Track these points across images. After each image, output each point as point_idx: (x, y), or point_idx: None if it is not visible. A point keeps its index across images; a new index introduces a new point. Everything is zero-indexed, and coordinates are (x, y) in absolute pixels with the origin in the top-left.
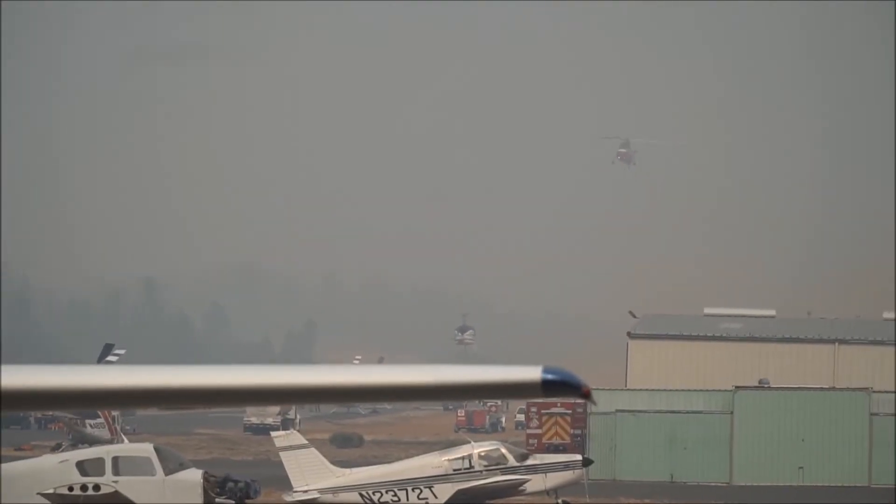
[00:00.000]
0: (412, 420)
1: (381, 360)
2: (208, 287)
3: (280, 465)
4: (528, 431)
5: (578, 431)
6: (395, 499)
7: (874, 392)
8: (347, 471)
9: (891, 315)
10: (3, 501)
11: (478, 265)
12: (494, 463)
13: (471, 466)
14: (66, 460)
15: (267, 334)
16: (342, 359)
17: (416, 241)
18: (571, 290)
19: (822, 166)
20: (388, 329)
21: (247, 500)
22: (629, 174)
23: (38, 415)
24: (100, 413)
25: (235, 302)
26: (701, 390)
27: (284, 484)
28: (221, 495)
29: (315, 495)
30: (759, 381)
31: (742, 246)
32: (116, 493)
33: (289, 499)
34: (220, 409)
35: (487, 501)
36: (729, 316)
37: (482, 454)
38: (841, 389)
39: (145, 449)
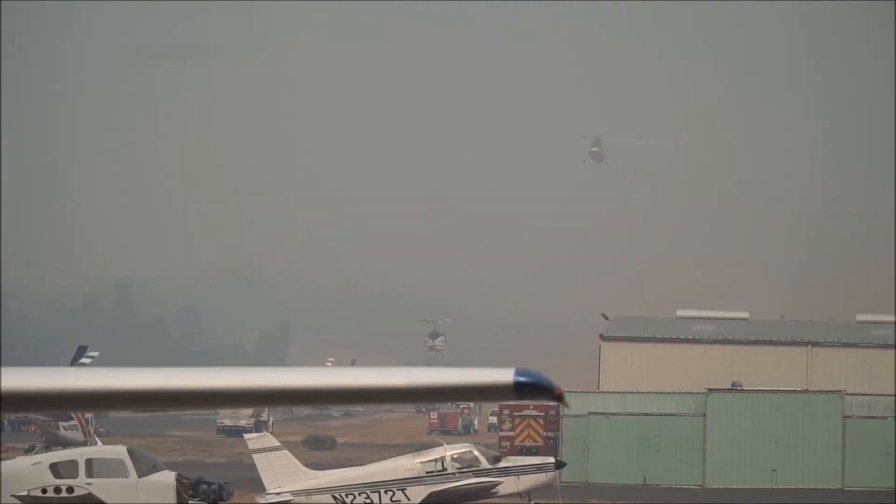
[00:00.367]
0: (385, 422)
1: (353, 363)
2: (182, 289)
3: (253, 467)
4: (501, 434)
5: (551, 434)
6: (368, 501)
7: (847, 395)
8: (320, 473)
9: (864, 317)
10: None
11: (451, 267)
12: (467, 465)
13: (443, 469)
14: (40, 462)
15: (240, 336)
16: (315, 361)
17: (390, 244)
18: (544, 293)
19: (799, 170)
20: (361, 331)
21: (220, 502)
22: (602, 176)
23: (12, 417)
24: (73, 415)
25: (208, 304)
26: (673, 393)
27: (257, 486)
28: (195, 497)
29: (288, 497)
30: (732, 384)
31: (715, 248)
32: (90, 494)
33: (261, 501)
34: (194, 411)
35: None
36: (701, 318)
37: (455, 456)
38: (814, 392)
39: (118, 451)
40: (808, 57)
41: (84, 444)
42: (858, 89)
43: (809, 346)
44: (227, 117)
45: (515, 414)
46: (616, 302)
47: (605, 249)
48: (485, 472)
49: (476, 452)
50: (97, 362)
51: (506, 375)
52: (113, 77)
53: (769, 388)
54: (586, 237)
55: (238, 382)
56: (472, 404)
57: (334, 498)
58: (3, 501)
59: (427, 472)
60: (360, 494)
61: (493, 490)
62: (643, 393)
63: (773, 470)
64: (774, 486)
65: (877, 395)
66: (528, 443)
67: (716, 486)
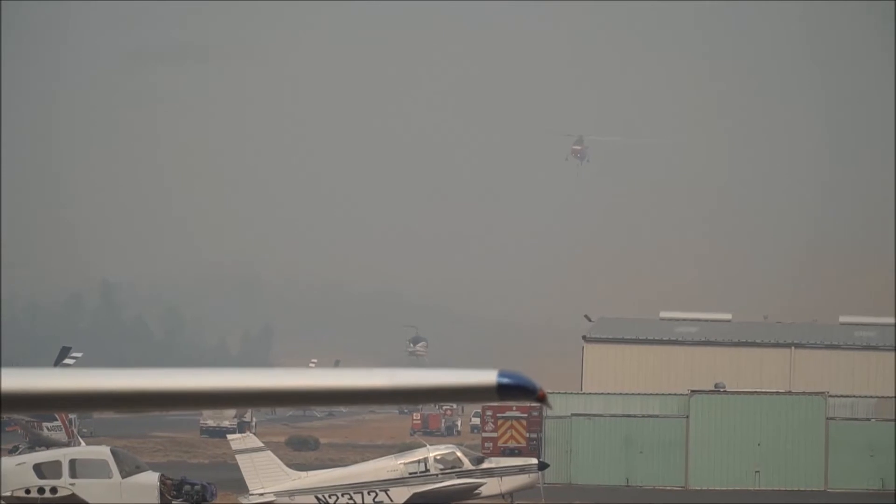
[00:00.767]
0: (368, 423)
1: (336, 364)
2: (165, 290)
3: (236, 467)
4: (484, 435)
5: (534, 435)
6: (351, 502)
7: (830, 396)
8: (303, 474)
9: (847, 319)
10: None
11: (435, 269)
12: (450, 466)
13: (426, 470)
14: (23, 463)
15: (223, 338)
16: (298, 362)
17: (374, 245)
18: (527, 295)
19: (783, 173)
20: (345, 333)
21: (203, 503)
22: (584, 178)
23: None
24: (57, 416)
25: (192, 305)
26: (657, 394)
27: (240, 486)
28: (178, 498)
29: (271, 498)
30: (715, 385)
31: (698, 250)
32: (73, 495)
33: (245, 501)
34: (178, 411)
35: None
36: (685, 320)
37: (438, 457)
38: (797, 393)
39: (102, 452)
40: (807, 57)
41: (67, 444)
42: (846, 91)
43: (792, 348)
44: (223, 117)
45: (498, 415)
46: (599, 303)
47: (587, 251)
48: (468, 474)
49: (459, 453)
50: (81, 363)
51: (489, 377)
52: (113, 77)
53: (752, 389)
54: (569, 239)
55: (222, 383)
56: (454, 405)
57: (317, 499)
58: None
59: (410, 473)
60: (343, 495)
61: (476, 491)
62: (626, 394)
63: (756, 471)
64: (757, 488)
65: (860, 396)
66: (511, 444)
67: (699, 488)
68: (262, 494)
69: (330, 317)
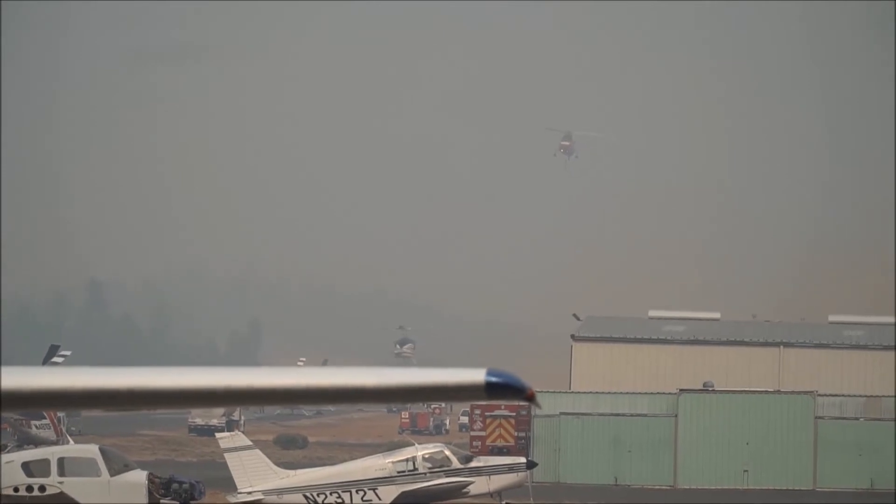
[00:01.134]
0: (356, 422)
1: (324, 363)
2: (155, 288)
3: (224, 466)
4: (472, 434)
5: (522, 434)
6: (340, 500)
7: (819, 395)
8: (292, 472)
9: (836, 318)
10: None
11: (423, 268)
12: (438, 465)
13: (415, 468)
14: (12, 461)
15: (212, 336)
16: (287, 361)
17: (363, 245)
18: (515, 294)
19: (772, 172)
20: (333, 332)
21: (191, 501)
22: (575, 176)
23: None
24: (45, 414)
25: (180, 303)
26: (645, 393)
27: (229, 485)
28: (166, 496)
29: (259, 496)
30: (704, 384)
31: (687, 249)
32: (62, 493)
33: (233, 500)
34: (166, 410)
35: (431, 503)
36: (673, 318)
37: (426, 456)
38: (786, 393)
39: (90, 450)
40: (807, 57)
41: (56, 442)
42: (846, 91)
43: (781, 347)
44: (222, 117)
45: (487, 414)
46: (587, 302)
47: (576, 250)
48: (456, 472)
49: (447, 452)
50: (69, 362)
51: (477, 376)
52: (112, 77)
53: (741, 388)
54: (558, 238)
55: (211, 382)
56: (443, 404)
57: (305, 497)
58: None
59: (398, 472)
60: (331, 494)
61: (465, 490)
62: (615, 393)
63: (744, 470)
64: (746, 487)
65: (848, 395)
66: (500, 443)
67: (687, 487)
68: (250, 493)
69: (319, 315)
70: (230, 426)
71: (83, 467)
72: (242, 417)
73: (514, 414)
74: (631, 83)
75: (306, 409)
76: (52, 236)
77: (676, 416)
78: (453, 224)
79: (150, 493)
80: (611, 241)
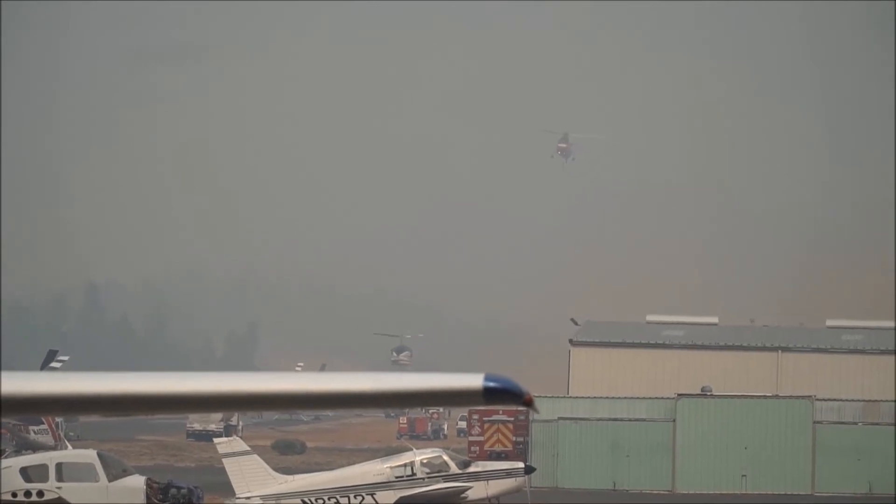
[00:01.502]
0: (354, 427)
1: (323, 368)
2: (153, 290)
3: (223, 471)
4: (470, 439)
5: (521, 439)
6: None
7: (817, 400)
8: (290, 477)
9: (834, 323)
10: None
11: (421, 271)
12: (436, 470)
13: (413, 473)
14: (10, 466)
15: (210, 337)
16: (284, 364)
17: (364, 248)
18: (513, 298)
19: (770, 175)
20: (331, 332)
21: None
22: (573, 179)
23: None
24: (43, 419)
25: (179, 303)
26: (643, 398)
27: (227, 490)
28: (164, 501)
29: (258, 502)
30: (702, 389)
31: (685, 253)
32: (60, 499)
33: None
34: (165, 415)
35: None
36: (671, 323)
37: (424, 461)
38: (784, 397)
39: (89, 455)
40: (807, 57)
41: (54, 448)
42: (846, 91)
43: (779, 352)
44: (222, 117)
45: (485, 419)
46: (585, 307)
47: (575, 254)
48: (454, 477)
49: (445, 457)
50: (67, 366)
51: (475, 381)
52: (112, 77)
53: (739, 393)
54: (556, 242)
55: (209, 387)
56: (441, 409)
57: (304, 502)
58: None
59: (396, 477)
60: (329, 499)
61: (463, 495)
62: (613, 398)
63: (742, 475)
64: (744, 491)
65: (847, 400)
66: (498, 448)
67: (686, 491)
68: (248, 498)
69: (318, 316)
70: (228, 431)
71: (81, 473)
72: (240, 423)
73: (512, 419)
74: (631, 83)
75: (304, 415)
76: (52, 236)
77: (675, 420)
78: (454, 227)
79: (148, 498)
80: (610, 246)
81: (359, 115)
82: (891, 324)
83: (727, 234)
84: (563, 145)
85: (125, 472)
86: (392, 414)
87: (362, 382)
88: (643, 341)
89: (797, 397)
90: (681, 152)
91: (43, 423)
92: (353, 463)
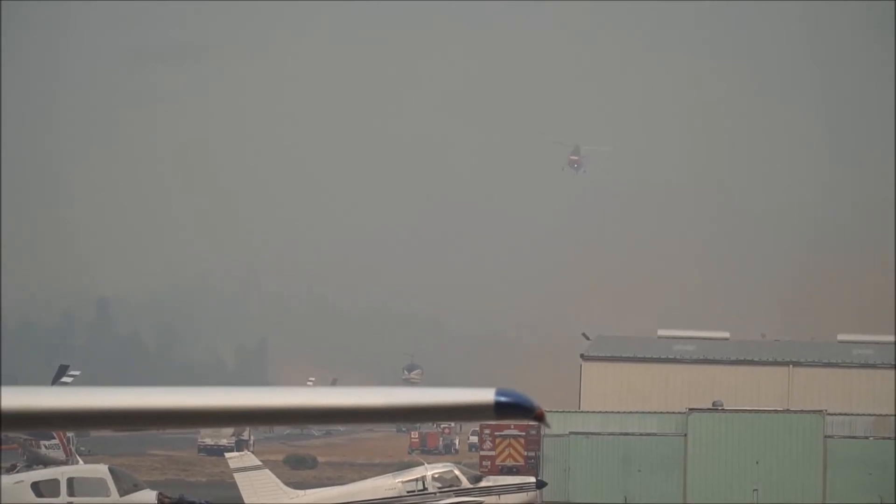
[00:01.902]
0: (366, 442)
1: (334, 382)
2: (160, 304)
3: (234, 486)
4: (482, 453)
5: (532, 453)
6: None
7: (828, 414)
8: (301, 492)
9: (845, 337)
10: None
11: (433, 285)
12: (448, 485)
13: (424, 488)
14: (22, 481)
15: (219, 354)
16: (295, 378)
17: (370, 259)
18: (525, 313)
19: (781, 189)
20: (340, 350)
21: None
22: (583, 191)
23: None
24: (55, 434)
25: (187, 321)
26: (654, 412)
27: None
28: None
29: None
30: (713, 403)
31: (696, 268)
32: None
33: None
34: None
35: None
36: (683, 338)
37: (436, 476)
38: (795, 412)
39: (100, 470)
40: (807, 57)
41: (66, 462)
42: (846, 91)
43: (790, 366)
44: (222, 117)
45: (496, 433)
46: (596, 321)
47: (586, 268)
48: (466, 492)
49: (457, 472)
50: (79, 381)
51: (486, 395)
52: (112, 77)
53: (750, 407)
54: (567, 256)
55: (221, 402)
56: (452, 424)
57: None
58: None
59: (408, 492)
60: None
61: None
62: (624, 412)
63: (754, 489)
64: None
65: (858, 414)
66: (509, 462)
67: None
68: None
69: (327, 332)
70: (240, 446)
71: (93, 487)
72: (252, 437)
73: (523, 433)
74: (631, 83)
75: (315, 429)
76: (52, 237)
77: (686, 435)
78: (462, 240)
79: None
80: (621, 260)
81: (359, 115)
82: None
83: (727, 235)
84: (575, 157)
85: (136, 487)
86: (403, 429)
87: (374, 397)
88: (654, 356)
89: (808, 412)
90: (681, 152)
91: (54, 438)
92: (365, 478)
